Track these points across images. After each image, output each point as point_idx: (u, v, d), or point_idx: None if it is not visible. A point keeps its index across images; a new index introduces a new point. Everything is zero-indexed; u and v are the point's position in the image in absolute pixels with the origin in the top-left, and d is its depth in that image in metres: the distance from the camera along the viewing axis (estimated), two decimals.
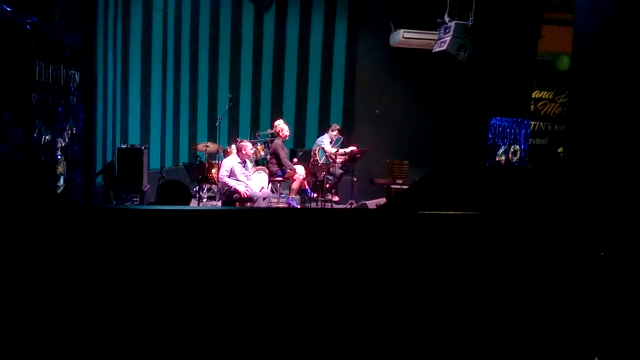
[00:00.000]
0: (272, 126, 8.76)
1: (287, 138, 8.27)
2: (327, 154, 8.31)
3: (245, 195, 7.17)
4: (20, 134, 4.55)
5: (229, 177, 7.23)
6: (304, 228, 1.81)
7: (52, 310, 1.66)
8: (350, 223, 1.85)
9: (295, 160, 8.51)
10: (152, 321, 1.71)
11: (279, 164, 8.05)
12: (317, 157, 8.44)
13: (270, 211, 2.82)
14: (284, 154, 8.06)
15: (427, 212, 1.86)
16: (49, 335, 1.66)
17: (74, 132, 5.83)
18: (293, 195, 8.17)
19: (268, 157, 8.38)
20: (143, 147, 7.60)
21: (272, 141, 8.39)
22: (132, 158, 7.34)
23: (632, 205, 2.64)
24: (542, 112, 9.82)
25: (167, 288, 1.72)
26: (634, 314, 1.99)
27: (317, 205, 8.22)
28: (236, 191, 7.17)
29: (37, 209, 1.85)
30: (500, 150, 9.11)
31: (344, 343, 1.80)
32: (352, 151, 8.40)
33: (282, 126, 8.22)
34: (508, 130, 9.13)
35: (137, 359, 1.70)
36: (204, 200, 8.43)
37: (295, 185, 8.12)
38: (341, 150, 8.46)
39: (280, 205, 8.30)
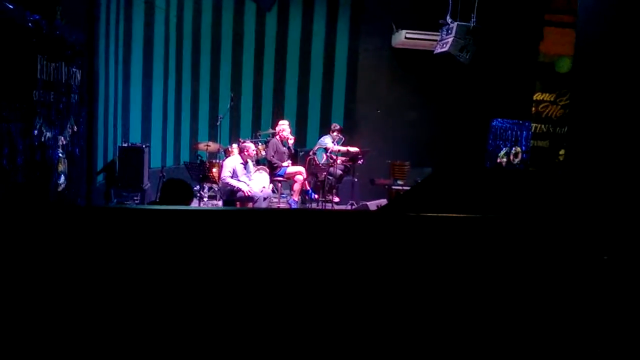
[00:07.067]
0: (273, 125, 8.78)
1: (284, 139, 8.28)
2: (328, 152, 8.30)
3: (249, 194, 7.18)
4: (21, 131, 4.55)
5: (231, 177, 7.24)
6: (306, 229, 1.80)
7: (52, 311, 1.65)
8: (352, 224, 1.84)
9: (289, 162, 8.47)
10: (152, 321, 1.71)
11: (269, 163, 8.12)
12: (316, 157, 8.44)
13: (271, 212, 2.82)
14: (272, 152, 8.09)
15: (429, 215, 1.86)
16: (49, 335, 1.66)
17: (75, 130, 5.83)
18: (295, 197, 8.17)
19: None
20: (144, 146, 7.60)
21: None
22: (133, 156, 7.34)
23: (634, 208, 2.63)
24: (544, 115, 9.82)
25: (168, 288, 1.71)
26: (636, 318, 1.98)
27: (317, 205, 8.21)
28: (239, 190, 7.18)
29: (37, 208, 1.85)
30: (502, 152, 9.10)
31: (345, 344, 1.80)
32: (354, 152, 8.40)
33: (283, 127, 8.26)
34: (509, 132, 9.11)
35: (137, 359, 1.70)
36: (205, 199, 8.42)
37: (296, 186, 8.12)
38: (343, 148, 8.45)
39: (281, 206, 8.30)
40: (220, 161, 7.99)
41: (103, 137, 7.40)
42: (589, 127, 4.46)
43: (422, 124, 9.44)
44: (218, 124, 8.69)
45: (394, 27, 9.22)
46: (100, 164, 7.29)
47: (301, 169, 8.21)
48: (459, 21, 7.71)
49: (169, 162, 9.23)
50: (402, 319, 1.83)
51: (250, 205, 7.25)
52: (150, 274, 1.71)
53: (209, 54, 9.47)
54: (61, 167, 5.46)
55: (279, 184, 8.42)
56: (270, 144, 8.26)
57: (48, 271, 1.65)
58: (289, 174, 8.15)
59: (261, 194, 7.39)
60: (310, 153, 8.55)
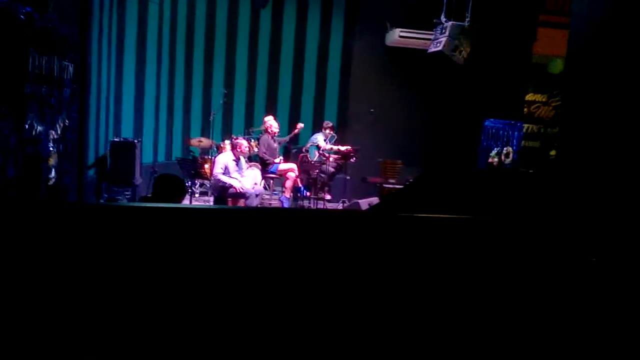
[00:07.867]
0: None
1: (275, 134, 8.28)
2: (321, 150, 8.31)
3: (241, 191, 7.16)
4: (12, 124, 4.51)
5: (223, 174, 7.22)
6: (298, 229, 1.81)
7: (42, 308, 1.65)
8: (343, 225, 1.84)
9: (281, 159, 8.46)
10: (144, 319, 1.70)
11: (261, 160, 8.12)
12: (308, 155, 8.44)
13: (264, 211, 2.82)
14: (264, 148, 8.09)
15: (420, 215, 1.87)
16: (37, 333, 1.65)
17: (67, 124, 5.79)
18: (287, 194, 8.17)
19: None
20: (136, 141, 7.56)
21: None
22: (124, 151, 7.30)
23: (625, 209, 2.65)
24: (535, 115, 9.86)
25: (159, 286, 1.71)
26: (625, 320, 2.00)
27: (309, 203, 8.22)
28: (231, 186, 7.16)
29: (26, 205, 1.84)
30: (493, 152, 9.13)
31: (336, 344, 1.80)
32: (345, 150, 8.42)
33: (270, 122, 8.26)
34: (501, 132, 9.15)
35: (130, 357, 1.70)
36: (197, 195, 8.40)
37: (288, 183, 8.12)
38: (335, 147, 8.47)
39: (273, 203, 8.29)
40: (213, 157, 7.97)
41: (95, 132, 7.36)
42: (580, 128, 4.49)
43: (415, 123, 9.47)
44: (211, 119, 8.66)
45: (388, 25, 9.22)
46: (91, 159, 7.25)
47: (293, 166, 8.21)
48: (453, 20, 7.73)
49: (161, 157, 9.20)
50: (393, 318, 1.84)
51: (242, 201, 7.24)
52: (141, 272, 1.70)
53: (203, 50, 9.44)
54: (52, 161, 5.42)
55: (271, 181, 8.42)
56: (261, 141, 8.25)
57: (37, 268, 1.65)
58: (281, 170, 8.14)
59: (253, 190, 7.37)
60: (303, 150, 8.55)
